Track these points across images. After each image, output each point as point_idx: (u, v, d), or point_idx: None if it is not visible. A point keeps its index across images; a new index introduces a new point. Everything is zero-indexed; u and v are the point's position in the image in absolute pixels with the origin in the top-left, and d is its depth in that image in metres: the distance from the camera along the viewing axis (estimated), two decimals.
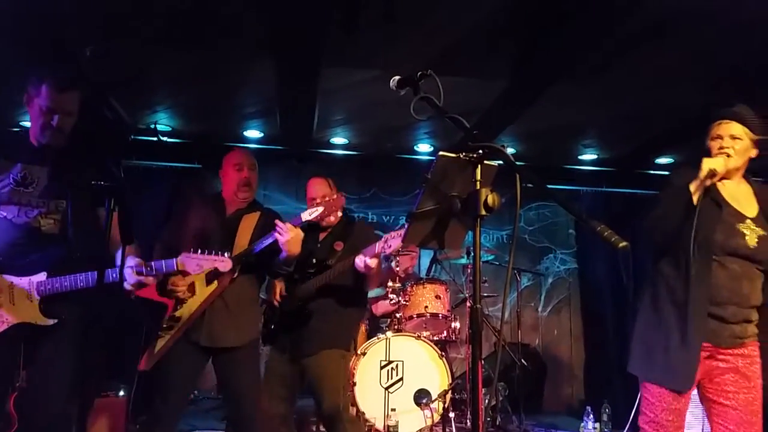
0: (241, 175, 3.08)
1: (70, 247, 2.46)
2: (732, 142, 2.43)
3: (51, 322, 2.40)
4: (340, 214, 3.05)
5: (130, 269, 2.45)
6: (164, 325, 2.81)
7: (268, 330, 3.30)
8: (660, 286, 2.44)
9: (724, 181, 2.46)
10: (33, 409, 2.41)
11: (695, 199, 2.31)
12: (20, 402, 2.50)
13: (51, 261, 2.43)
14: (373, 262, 2.96)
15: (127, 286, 2.48)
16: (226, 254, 2.64)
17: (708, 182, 2.32)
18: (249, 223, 3.01)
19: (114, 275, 2.41)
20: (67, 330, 2.44)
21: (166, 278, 2.78)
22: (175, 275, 2.76)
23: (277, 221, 2.81)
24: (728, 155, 2.41)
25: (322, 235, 3.36)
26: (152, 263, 2.52)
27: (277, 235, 2.76)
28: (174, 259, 2.54)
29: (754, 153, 2.49)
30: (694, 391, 2.45)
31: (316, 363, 3.14)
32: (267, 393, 3.15)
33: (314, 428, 4.23)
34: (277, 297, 3.28)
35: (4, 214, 2.40)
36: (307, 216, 2.83)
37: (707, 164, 2.32)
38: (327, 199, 2.91)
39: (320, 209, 2.82)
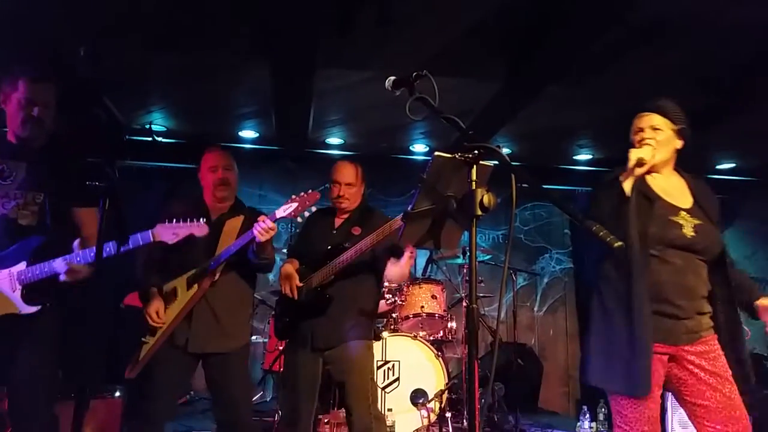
0: (216, 175, 3.03)
1: (48, 236, 2.48)
2: (653, 133, 2.42)
3: (34, 309, 2.42)
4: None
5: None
6: (147, 332, 2.79)
7: (284, 323, 3.19)
8: (606, 291, 2.35)
9: (654, 174, 2.42)
10: (18, 410, 2.41)
11: (627, 190, 2.26)
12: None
13: (29, 250, 2.44)
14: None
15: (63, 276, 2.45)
16: (203, 220, 2.62)
17: (637, 171, 2.28)
18: (232, 228, 2.97)
19: (90, 256, 2.41)
20: (48, 321, 2.45)
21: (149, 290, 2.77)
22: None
23: (259, 220, 2.77)
24: (649, 146, 2.38)
25: (338, 222, 3.25)
26: (129, 238, 2.47)
27: (256, 234, 2.73)
28: (149, 231, 2.52)
29: (679, 144, 2.48)
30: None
31: (343, 356, 3.01)
32: (290, 390, 3.07)
33: (326, 429, 4.19)
34: (293, 290, 3.11)
35: None
36: (281, 213, 2.81)
37: (634, 154, 2.29)
38: (302, 194, 2.89)
39: (294, 205, 2.82)
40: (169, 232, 2.53)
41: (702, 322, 2.29)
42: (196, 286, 2.80)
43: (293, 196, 2.88)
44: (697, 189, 2.47)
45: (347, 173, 3.22)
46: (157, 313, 2.80)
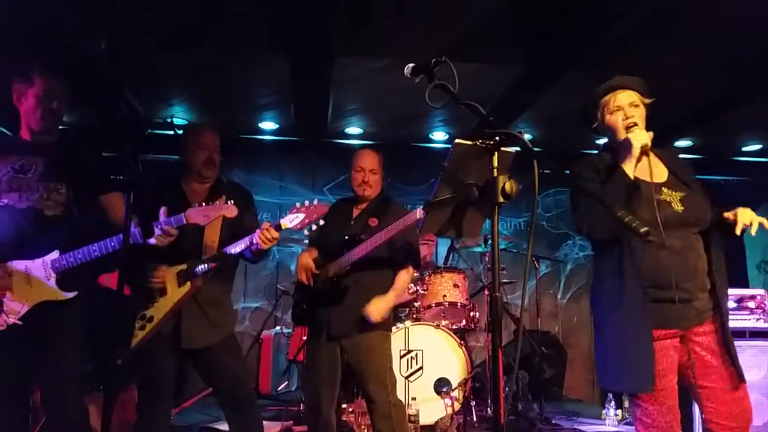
0: (206, 153, 2.93)
1: (76, 225, 2.53)
2: (634, 110, 2.29)
3: (71, 295, 2.47)
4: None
5: (160, 225, 2.48)
6: (136, 325, 2.73)
7: (301, 310, 3.20)
8: (601, 289, 2.26)
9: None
10: (52, 406, 2.46)
11: (631, 176, 2.16)
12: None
13: (60, 238, 2.49)
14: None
15: (152, 240, 2.48)
16: (230, 202, 2.59)
17: (640, 159, 2.19)
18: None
19: (118, 241, 2.44)
20: (78, 311, 2.50)
21: (137, 270, 2.74)
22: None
23: (262, 230, 2.68)
24: (636, 124, 2.26)
25: (356, 212, 3.26)
26: (162, 221, 2.50)
27: (258, 240, 2.67)
28: (182, 214, 2.53)
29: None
30: None
31: (361, 345, 3.03)
32: (312, 377, 3.08)
33: (337, 416, 4.22)
34: (309, 277, 3.14)
35: (6, 201, 2.48)
36: (287, 223, 2.71)
37: (638, 141, 2.17)
38: (307, 204, 2.82)
39: (301, 216, 2.73)
40: (201, 215, 2.54)
41: (708, 300, 2.20)
42: (188, 284, 2.74)
43: (298, 205, 2.80)
44: (667, 159, 2.35)
45: (371, 160, 3.23)
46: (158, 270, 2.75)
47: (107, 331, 2.62)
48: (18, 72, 2.59)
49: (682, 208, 2.20)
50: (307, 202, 2.78)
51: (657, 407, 2.12)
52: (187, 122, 6.00)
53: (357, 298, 3.04)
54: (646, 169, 2.24)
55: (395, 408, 3.03)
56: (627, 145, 2.19)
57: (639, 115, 2.30)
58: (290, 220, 2.74)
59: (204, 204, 2.57)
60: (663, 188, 2.24)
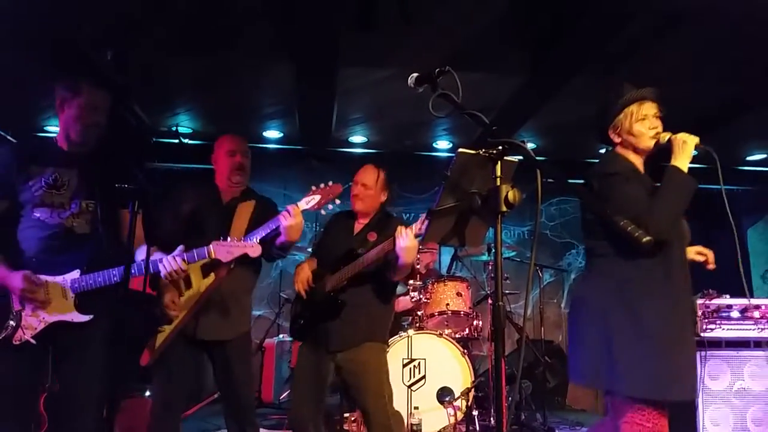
0: (235, 160, 3.02)
1: (101, 244, 2.52)
2: (658, 122, 2.37)
3: (87, 318, 2.45)
4: (383, 197, 2.95)
5: (168, 258, 2.49)
6: (163, 320, 2.78)
7: (299, 325, 3.21)
8: (631, 291, 2.20)
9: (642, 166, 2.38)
10: (66, 413, 2.45)
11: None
12: (50, 403, 2.54)
13: (84, 259, 2.48)
14: (411, 239, 2.81)
15: (163, 273, 2.52)
16: (256, 239, 2.63)
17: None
18: (245, 211, 2.97)
19: (139, 270, 2.45)
20: (100, 330, 2.49)
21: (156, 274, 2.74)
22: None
23: (288, 207, 2.76)
24: (659, 133, 2.34)
25: (357, 227, 3.27)
26: (185, 254, 2.54)
27: (282, 219, 2.73)
28: (205, 248, 2.56)
29: None
30: None
31: (358, 357, 3.04)
32: (298, 391, 3.10)
33: (344, 427, 4.21)
34: (305, 287, 3.16)
35: (38, 215, 2.47)
36: (303, 205, 2.78)
37: (693, 141, 2.26)
38: (323, 186, 2.87)
39: (317, 197, 2.79)
40: (224, 251, 2.56)
41: None
42: (212, 274, 2.77)
43: (313, 188, 2.86)
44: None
45: (367, 175, 3.25)
46: (174, 302, 2.78)
47: (126, 335, 2.61)
48: (65, 79, 2.58)
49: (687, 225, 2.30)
50: (322, 184, 2.85)
51: (662, 413, 2.12)
52: (191, 131, 6.03)
53: (354, 313, 3.05)
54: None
55: (393, 418, 3.03)
56: (679, 144, 2.26)
57: (660, 126, 2.37)
58: (306, 202, 2.80)
59: (228, 239, 2.59)
60: None
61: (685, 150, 2.24)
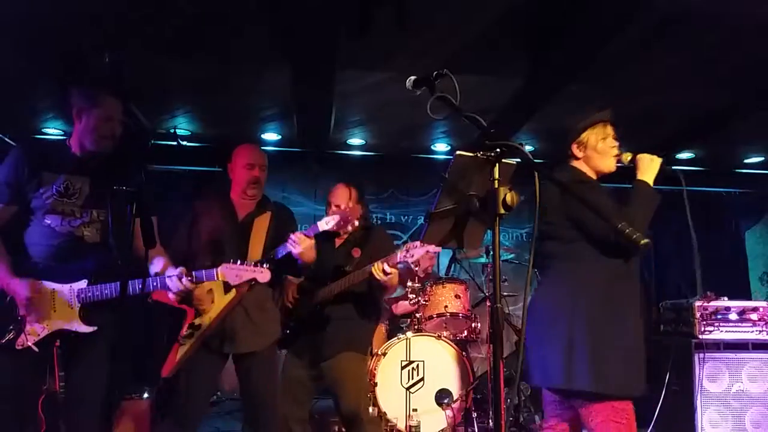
0: (252, 173, 3.03)
1: (110, 255, 2.52)
2: (616, 143, 2.58)
3: (91, 329, 2.45)
4: (357, 223, 3.01)
5: (173, 278, 2.48)
6: (184, 333, 2.80)
7: (285, 334, 3.29)
8: (611, 290, 2.34)
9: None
10: (73, 422, 2.46)
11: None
12: (48, 404, 2.54)
13: (92, 269, 2.48)
14: (391, 270, 2.93)
15: (171, 297, 2.54)
16: (266, 265, 2.63)
17: None
18: (261, 225, 3.00)
19: (155, 284, 2.48)
20: (105, 341, 2.49)
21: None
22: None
23: (291, 235, 2.77)
24: (618, 153, 2.56)
25: (338, 242, 3.37)
26: (194, 273, 2.54)
27: (290, 247, 2.75)
28: (214, 270, 2.56)
29: None
30: None
31: (337, 365, 3.16)
32: (283, 396, 3.17)
33: (335, 429, 4.24)
34: (290, 299, 3.30)
35: (49, 222, 2.46)
36: (324, 225, 2.79)
37: (658, 161, 2.44)
38: (344, 208, 2.92)
39: (336, 218, 2.79)
40: (233, 274, 2.56)
41: None
42: (234, 290, 2.80)
43: (332, 203, 2.91)
44: None
45: (339, 195, 3.32)
46: (201, 297, 2.78)
47: (132, 341, 2.63)
48: (82, 88, 2.58)
49: None
50: (343, 205, 2.98)
51: (632, 415, 2.29)
52: (189, 133, 6.03)
53: (338, 327, 3.19)
54: None
55: (370, 425, 3.18)
56: (646, 162, 2.45)
57: (617, 147, 2.59)
58: (326, 222, 2.81)
59: (238, 262, 2.59)
60: None
61: (651, 167, 2.43)
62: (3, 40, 3.92)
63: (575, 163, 2.62)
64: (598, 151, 2.55)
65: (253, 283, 2.66)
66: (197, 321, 2.80)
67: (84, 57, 4.16)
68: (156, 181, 6.09)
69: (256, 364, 2.89)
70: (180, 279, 2.49)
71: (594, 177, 2.57)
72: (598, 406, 2.28)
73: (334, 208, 3.26)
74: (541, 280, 2.59)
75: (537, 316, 2.46)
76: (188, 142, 6.20)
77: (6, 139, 5.52)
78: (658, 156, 2.44)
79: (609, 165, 2.56)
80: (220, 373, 2.99)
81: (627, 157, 2.53)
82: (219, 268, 2.57)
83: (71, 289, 2.44)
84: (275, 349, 3.12)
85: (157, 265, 2.55)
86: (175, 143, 5.98)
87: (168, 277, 2.50)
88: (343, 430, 4.11)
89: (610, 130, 2.58)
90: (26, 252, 2.48)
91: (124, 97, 2.61)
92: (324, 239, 3.36)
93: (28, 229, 2.49)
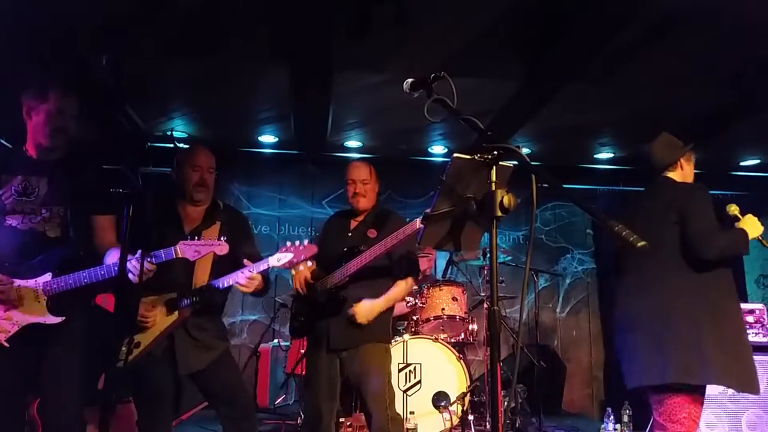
0: (198, 175, 2.88)
1: (73, 247, 2.54)
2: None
3: (59, 319, 2.46)
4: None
5: (132, 260, 2.45)
6: (123, 348, 2.58)
7: (299, 322, 3.22)
8: (717, 292, 2.65)
9: None
10: (48, 413, 2.48)
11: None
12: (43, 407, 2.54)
13: (55, 261, 2.49)
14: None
15: (132, 278, 2.47)
16: (222, 239, 2.59)
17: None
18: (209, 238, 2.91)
19: (114, 270, 2.45)
20: (73, 330, 2.50)
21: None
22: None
23: (241, 274, 2.67)
24: None
25: (353, 224, 3.27)
26: (152, 253, 2.50)
27: (239, 284, 2.69)
28: (172, 248, 2.53)
29: None
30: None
31: (360, 357, 3.04)
32: (313, 386, 3.08)
33: (346, 429, 4.20)
34: (303, 286, 3.16)
35: (10, 222, 2.49)
36: (275, 262, 2.72)
37: (760, 231, 2.76)
38: (297, 245, 2.81)
39: (290, 255, 2.73)
40: (191, 250, 2.54)
41: None
42: (176, 313, 2.73)
43: (288, 244, 2.79)
44: None
45: (362, 171, 3.27)
46: (146, 314, 2.70)
47: (100, 347, 2.61)
48: (31, 86, 2.59)
49: None
50: (297, 242, 2.79)
51: (698, 414, 2.59)
52: (186, 135, 6.02)
53: None
54: None
55: (393, 422, 3.03)
56: (754, 223, 2.82)
57: None
58: (278, 259, 2.75)
59: (196, 238, 2.57)
60: None
61: (754, 228, 2.76)
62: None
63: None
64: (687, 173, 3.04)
65: (195, 308, 2.66)
66: (137, 338, 2.69)
67: (81, 58, 4.15)
68: (152, 183, 6.09)
69: (210, 372, 2.81)
70: (138, 260, 2.46)
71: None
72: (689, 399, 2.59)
73: (350, 183, 3.23)
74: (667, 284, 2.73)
75: (656, 319, 2.69)
76: (185, 144, 6.18)
77: (2, 142, 5.50)
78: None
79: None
80: (180, 386, 2.91)
81: (733, 210, 2.91)
82: (177, 246, 2.52)
83: (36, 284, 2.46)
84: (230, 354, 2.97)
85: (113, 256, 2.54)
86: (171, 145, 5.97)
87: (128, 261, 2.44)
88: (350, 423, 4.09)
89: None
90: None
91: (120, 98, 2.60)
92: (338, 222, 3.32)
93: None
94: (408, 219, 3.03)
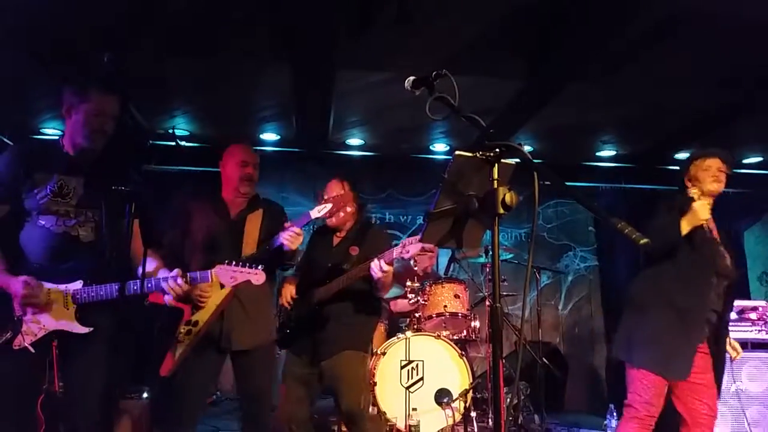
0: (246, 171, 3.05)
1: (104, 254, 2.51)
2: (721, 175, 3.03)
3: (86, 330, 2.43)
4: (350, 209, 3.02)
5: (168, 279, 2.48)
6: (182, 331, 2.79)
7: (285, 334, 3.31)
8: (662, 293, 2.95)
9: (706, 206, 2.95)
10: (72, 421, 2.45)
11: (684, 231, 2.86)
12: (47, 404, 2.54)
13: (87, 269, 2.47)
14: (387, 267, 2.95)
15: (168, 299, 2.53)
16: (260, 267, 2.63)
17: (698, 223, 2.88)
18: (254, 223, 3.01)
19: (150, 286, 2.47)
20: (102, 340, 2.48)
21: None
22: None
23: (286, 228, 2.80)
24: (719, 182, 3.01)
25: (336, 240, 3.36)
26: (188, 274, 2.54)
27: (285, 242, 2.77)
28: (209, 271, 2.57)
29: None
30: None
31: (337, 364, 3.15)
32: (285, 397, 3.18)
33: (335, 428, 4.24)
34: (288, 300, 3.30)
35: (43, 223, 2.45)
36: (315, 213, 2.85)
37: (703, 214, 2.85)
38: (335, 195, 2.91)
39: (329, 206, 2.85)
40: (227, 276, 2.57)
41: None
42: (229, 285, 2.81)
43: (326, 196, 2.91)
44: (716, 220, 3.07)
45: (333, 189, 3.31)
46: (202, 294, 2.79)
47: (126, 346, 2.63)
48: (72, 84, 2.54)
49: (730, 265, 2.99)
50: (334, 193, 2.96)
51: (656, 391, 2.88)
52: (188, 133, 6.03)
53: (338, 325, 3.19)
54: (711, 223, 3.02)
55: (371, 422, 3.22)
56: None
57: (723, 181, 3.04)
58: (318, 210, 2.86)
59: (233, 263, 2.60)
60: (720, 245, 3.02)
61: (694, 218, 2.88)
62: (1, 39, 3.91)
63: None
64: (701, 178, 3.05)
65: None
66: (194, 318, 2.79)
67: (83, 56, 4.16)
68: (154, 181, 6.10)
69: (253, 362, 2.90)
70: (175, 280, 2.48)
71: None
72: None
73: (327, 197, 3.27)
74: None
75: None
76: (187, 142, 6.20)
77: (4, 139, 5.52)
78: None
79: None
80: (219, 370, 2.99)
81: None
82: (213, 270, 2.57)
83: (66, 290, 2.43)
84: (274, 348, 3.13)
85: (149, 265, 2.54)
86: (173, 143, 5.98)
87: (163, 279, 2.49)
88: (344, 429, 4.13)
89: (715, 163, 3.04)
90: (22, 254, 2.46)
91: (122, 95, 2.58)
92: (321, 238, 3.37)
93: (23, 231, 2.48)
94: (409, 217, 3.08)
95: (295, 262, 3.10)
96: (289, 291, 3.30)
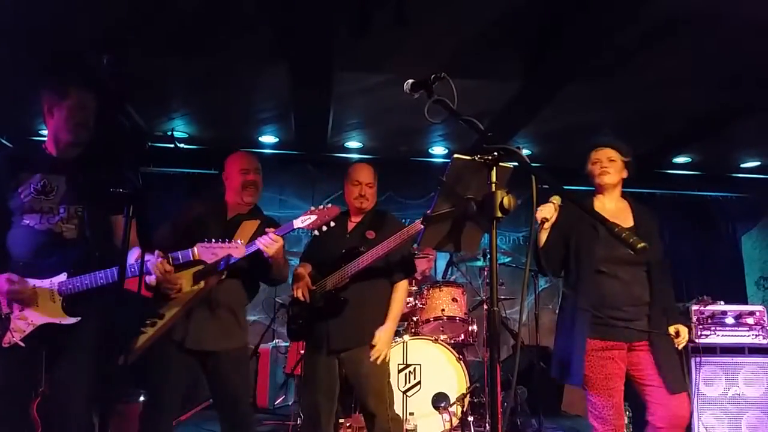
0: (248, 178, 3.05)
1: (88, 248, 2.55)
2: (609, 164, 2.92)
3: (74, 320, 2.47)
4: (333, 223, 2.97)
5: (151, 260, 2.51)
6: (147, 321, 2.76)
7: (298, 326, 3.22)
8: (564, 301, 2.92)
9: (603, 198, 2.95)
10: (57, 414, 2.45)
11: (542, 241, 2.82)
12: (43, 407, 2.54)
13: (71, 262, 2.50)
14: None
15: (150, 279, 2.56)
16: (239, 241, 2.63)
17: (546, 226, 2.80)
18: (248, 229, 2.97)
19: (133, 270, 2.48)
20: (88, 331, 2.50)
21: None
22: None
23: (266, 233, 2.76)
24: (606, 174, 2.91)
25: (351, 225, 3.29)
26: (170, 254, 2.56)
27: (261, 246, 2.73)
28: (190, 249, 2.58)
29: (625, 174, 2.98)
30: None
31: (359, 359, 3.04)
32: (309, 391, 3.10)
33: (346, 430, 4.19)
34: (305, 293, 3.15)
35: (27, 221, 2.49)
36: (299, 223, 2.80)
37: (539, 214, 2.75)
38: (321, 207, 2.87)
39: (313, 218, 2.81)
40: (208, 252, 2.58)
41: (648, 324, 2.75)
42: (202, 282, 2.78)
43: (312, 208, 2.87)
44: (637, 211, 2.95)
45: (368, 173, 3.30)
46: (171, 283, 2.73)
47: (115, 335, 2.62)
48: (50, 85, 2.62)
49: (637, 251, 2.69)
50: (321, 206, 2.88)
51: (603, 403, 2.69)
52: (187, 135, 6.03)
53: (356, 310, 3.05)
54: (618, 213, 2.89)
55: (393, 422, 3.04)
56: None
57: (614, 168, 2.92)
58: (302, 221, 2.82)
59: (214, 241, 2.61)
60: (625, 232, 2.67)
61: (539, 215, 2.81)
62: (1, 39, 3.91)
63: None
64: (593, 172, 2.97)
65: (230, 260, 2.69)
66: (161, 310, 2.75)
67: (82, 58, 4.16)
68: (153, 183, 6.10)
69: (222, 364, 2.83)
70: (157, 258, 2.51)
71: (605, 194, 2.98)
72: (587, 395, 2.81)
73: (355, 185, 3.26)
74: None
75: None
76: (186, 144, 6.20)
77: (2, 141, 5.52)
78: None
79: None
80: (192, 372, 2.91)
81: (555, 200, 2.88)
82: (195, 248, 2.57)
83: (52, 284, 2.46)
84: (246, 353, 3.05)
85: (132, 255, 2.56)
86: (172, 145, 5.98)
87: (147, 260, 2.50)
88: (348, 424, 4.09)
89: (600, 154, 2.96)
90: (8, 253, 2.51)
91: (121, 98, 2.63)
92: (335, 224, 3.32)
93: (9, 231, 2.52)
94: (406, 220, 3.07)
95: (279, 280, 3.03)
96: (306, 282, 3.16)
